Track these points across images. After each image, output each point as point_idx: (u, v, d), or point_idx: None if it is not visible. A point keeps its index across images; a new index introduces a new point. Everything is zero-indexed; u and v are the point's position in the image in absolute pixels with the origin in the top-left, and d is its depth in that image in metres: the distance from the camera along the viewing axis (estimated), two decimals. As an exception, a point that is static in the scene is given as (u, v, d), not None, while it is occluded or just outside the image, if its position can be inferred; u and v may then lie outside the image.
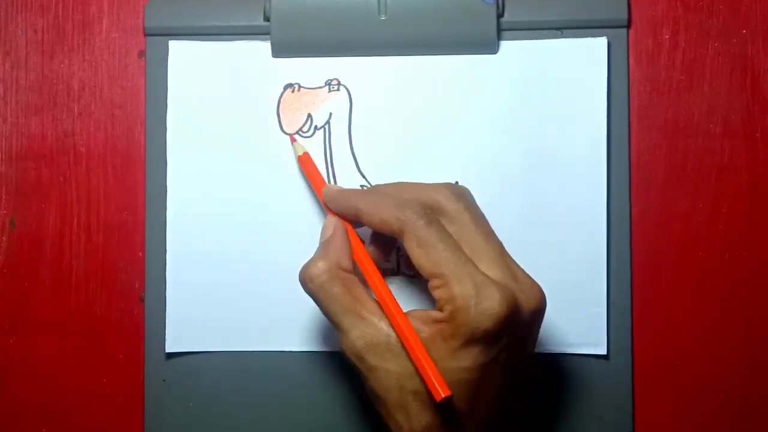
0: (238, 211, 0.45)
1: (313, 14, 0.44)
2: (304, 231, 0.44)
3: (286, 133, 0.44)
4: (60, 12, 0.47)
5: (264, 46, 0.45)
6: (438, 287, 0.36)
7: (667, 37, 0.45)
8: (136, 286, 0.46)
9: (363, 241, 0.40)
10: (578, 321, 0.44)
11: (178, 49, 0.45)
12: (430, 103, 0.45)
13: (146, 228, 0.45)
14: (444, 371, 0.35)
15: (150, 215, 0.45)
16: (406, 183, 0.40)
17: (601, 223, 0.44)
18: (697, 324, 0.45)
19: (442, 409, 0.35)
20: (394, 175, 0.43)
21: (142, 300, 0.45)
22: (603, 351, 0.44)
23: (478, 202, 0.39)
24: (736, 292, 0.45)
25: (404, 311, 0.37)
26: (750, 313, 0.45)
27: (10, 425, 0.46)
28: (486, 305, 0.34)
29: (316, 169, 0.43)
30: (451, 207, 0.38)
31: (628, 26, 0.45)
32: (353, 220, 0.40)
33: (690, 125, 0.45)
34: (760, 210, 0.45)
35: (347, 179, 0.44)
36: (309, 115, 0.45)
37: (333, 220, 0.40)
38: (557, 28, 0.44)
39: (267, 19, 0.45)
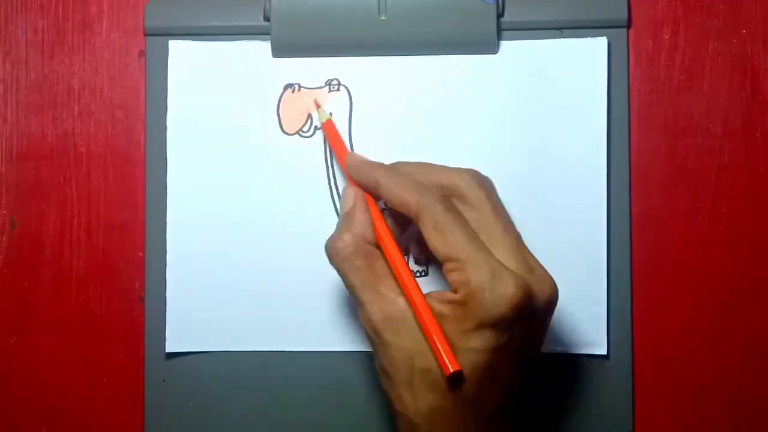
0: (238, 211, 0.45)
1: (313, 14, 0.44)
2: (304, 231, 0.44)
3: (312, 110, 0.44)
4: (60, 12, 0.47)
5: (264, 46, 0.45)
6: (453, 270, 0.36)
7: (667, 37, 0.45)
8: (136, 286, 0.46)
9: (383, 212, 0.40)
10: (578, 321, 0.44)
11: (178, 49, 0.45)
12: (430, 103, 0.45)
13: (146, 228, 0.45)
14: (454, 350, 0.35)
15: (150, 215, 0.45)
16: (430, 164, 0.40)
17: (601, 223, 0.44)
18: (697, 324, 0.45)
19: (449, 392, 0.35)
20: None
21: (142, 300, 0.45)
22: (603, 351, 0.44)
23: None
24: (736, 291, 0.45)
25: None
26: (750, 313, 0.45)
27: (10, 425, 0.46)
28: (501, 291, 0.35)
29: (340, 136, 0.43)
30: (472, 193, 0.38)
31: (628, 26, 0.45)
32: (372, 193, 0.39)
33: (690, 125, 0.45)
34: (760, 210, 0.45)
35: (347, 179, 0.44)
36: (309, 115, 0.45)
37: (353, 190, 0.40)
38: (557, 28, 0.44)
39: (267, 19, 0.45)
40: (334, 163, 0.45)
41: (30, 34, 0.47)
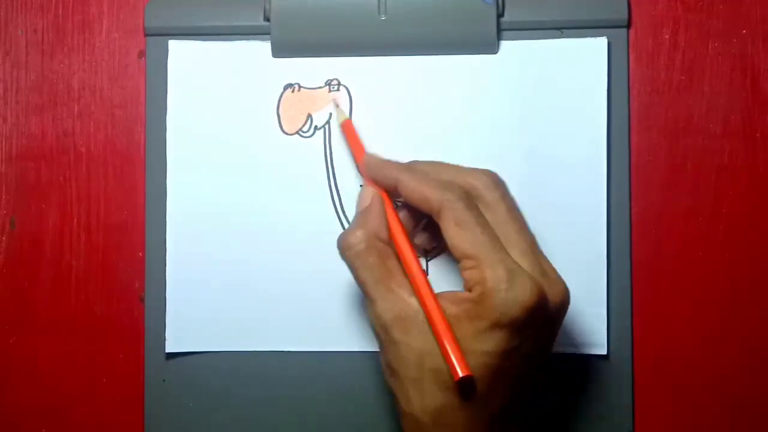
0: (238, 210, 0.45)
1: (313, 14, 0.44)
2: (304, 231, 0.44)
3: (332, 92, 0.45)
4: (60, 12, 0.47)
5: (264, 46, 0.45)
6: (469, 268, 0.36)
7: (667, 37, 0.45)
8: (136, 286, 0.46)
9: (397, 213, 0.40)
10: (578, 321, 0.44)
11: (178, 49, 0.45)
12: (430, 103, 0.45)
13: (146, 228, 0.45)
14: (465, 352, 0.35)
15: (150, 215, 0.45)
16: (445, 164, 0.40)
17: (601, 223, 0.44)
18: (697, 324, 0.45)
19: (458, 392, 0.35)
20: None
21: (142, 300, 0.45)
22: (603, 351, 0.44)
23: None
24: (736, 291, 0.45)
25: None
26: (750, 313, 0.45)
27: (10, 425, 0.46)
28: (517, 292, 0.35)
29: (357, 136, 0.43)
30: (488, 194, 0.38)
31: (628, 26, 0.45)
32: (390, 191, 0.40)
33: (690, 125, 0.45)
34: (760, 210, 0.45)
35: (347, 179, 0.44)
36: (309, 115, 0.45)
37: (371, 190, 0.40)
38: (557, 28, 0.44)
39: (267, 19, 0.45)
40: (335, 164, 0.45)
41: (30, 34, 0.47)
